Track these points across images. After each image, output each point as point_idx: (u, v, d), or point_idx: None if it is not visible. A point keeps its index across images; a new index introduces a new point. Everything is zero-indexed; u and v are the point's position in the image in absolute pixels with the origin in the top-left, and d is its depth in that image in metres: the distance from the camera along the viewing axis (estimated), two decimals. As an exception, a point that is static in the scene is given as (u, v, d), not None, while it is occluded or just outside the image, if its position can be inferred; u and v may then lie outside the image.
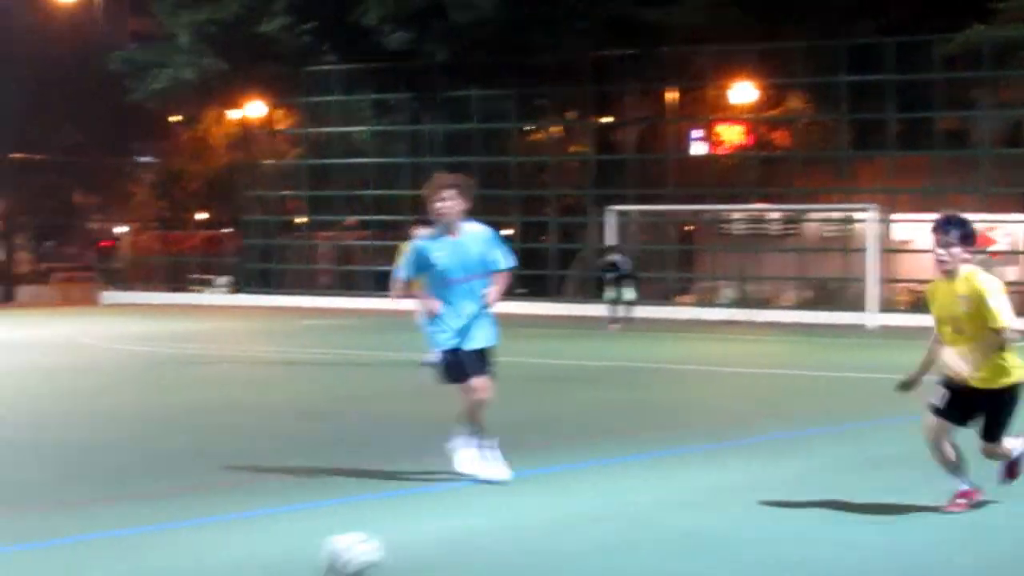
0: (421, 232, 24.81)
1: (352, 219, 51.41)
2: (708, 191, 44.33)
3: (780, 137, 46.51)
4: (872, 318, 37.22)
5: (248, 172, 52.87)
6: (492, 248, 11.92)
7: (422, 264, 11.96)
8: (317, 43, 47.65)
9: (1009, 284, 15.74)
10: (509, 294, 12.35)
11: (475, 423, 11.87)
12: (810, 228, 43.86)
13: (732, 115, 46.49)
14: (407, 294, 12.43)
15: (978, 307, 10.15)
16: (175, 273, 54.31)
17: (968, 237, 10.27)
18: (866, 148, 42.91)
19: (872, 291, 38.05)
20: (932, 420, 10.56)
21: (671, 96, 47.03)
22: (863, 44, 40.93)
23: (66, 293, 53.90)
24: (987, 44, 38.83)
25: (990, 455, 10.74)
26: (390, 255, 27.12)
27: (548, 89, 46.57)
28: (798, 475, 12.66)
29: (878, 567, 9.03)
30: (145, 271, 55.64)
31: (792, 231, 44.11)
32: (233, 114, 53.95)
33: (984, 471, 10.73)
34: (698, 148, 48.48)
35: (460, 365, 11.83)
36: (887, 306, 38.54)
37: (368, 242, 49.07)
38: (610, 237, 39.89)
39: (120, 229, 67.18)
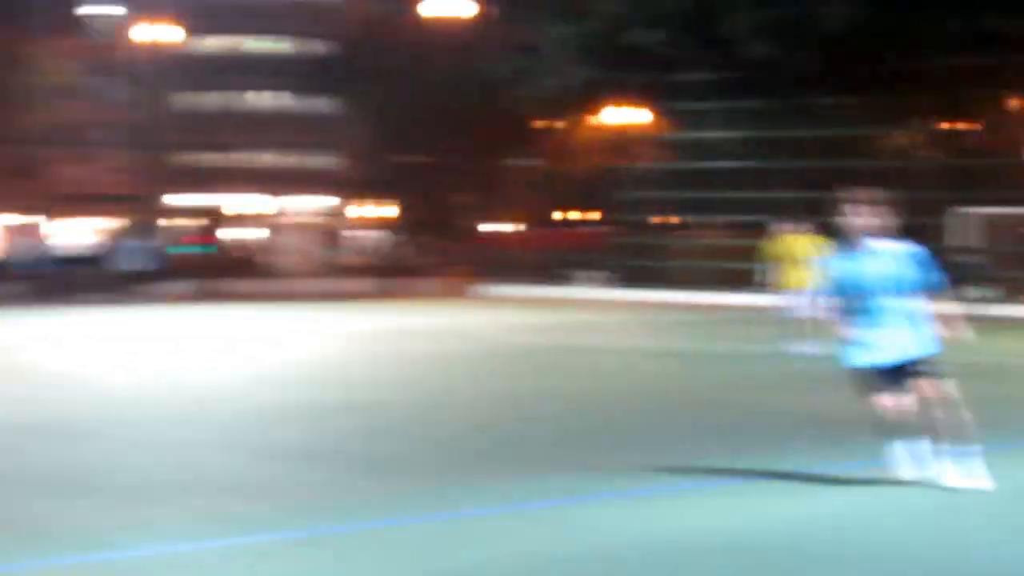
0: (788, 230, 26.06)
1: (717, 219, 52.42)
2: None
3: None
4: None
5: (618, 174, 54.57)
6: (911, 266, 11.40)
7: (841, 281, 11.58)
8: (682, 52, 48.82)
9: None
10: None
11: (941, 432, 11.31)
12: None
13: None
14: (830, 311, 11.72)
15: None
16: (548, 268, 55.76)
17: None
18: None
19: None
20: None
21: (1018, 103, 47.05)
22: None
23: (446, 286, 55.84)
24: None
25: None
26: (753, 254, 28.37)
27: (909, 96, 46.87)
28: None
29: None
30: (520, 266, 57.12)
31: None
32: (602, 119, 55.48)
33: None
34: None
35: (876, 380, 11.51)
36: None
37: (733, 241, 49.81)
38: (963, 238, 40.04)
39: (496, 227, 69.37)
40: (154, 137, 72.23)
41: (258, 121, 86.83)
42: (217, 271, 57.61)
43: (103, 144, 77.97)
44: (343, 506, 10.85)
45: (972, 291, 34.58)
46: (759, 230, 31.54)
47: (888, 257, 11.43)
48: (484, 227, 69.47)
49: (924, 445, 11.43)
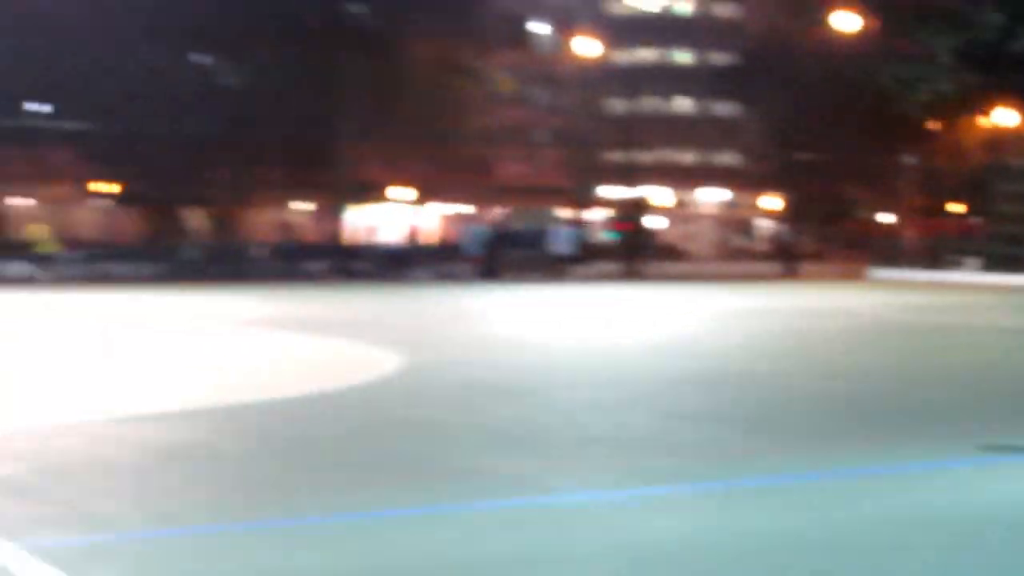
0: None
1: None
2: None
3: None
4: None
5: (995, 170, 52.88)
6: None
7: None
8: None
9: None
10: None
11: None
12: None
13: None
14: None
15: None
16: (932, 255, 54.61)
17: None
18: None
19: None
20: None
21: None
22: None
23: (840, 270, 55.19)
24: None
25: None
26: None
27: None
28: None
29: None
30: (907, 253, 56.07)
31: None
32: (983, 121, 53.84)
33: None
34: None
35: None
36: None
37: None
38: None
39: (886, 217, 68.15)
40: (586, 137, 73.48)
41: (673, 123, 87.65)
42: (638, 255, 58.21)
43: (542, 144, 79.89)
44: (746, 463, 10.75)
45: None
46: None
47: None
48: (874, 217, 68.33)
49: None
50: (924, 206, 61.17)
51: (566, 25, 71.74)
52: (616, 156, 72.73)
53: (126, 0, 50.07)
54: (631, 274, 53.26)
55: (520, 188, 76.79)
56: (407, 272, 48.84)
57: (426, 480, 9.87)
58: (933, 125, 58.51)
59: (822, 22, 57.20)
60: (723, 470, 10.45)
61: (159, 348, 20.26)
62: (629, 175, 69.12)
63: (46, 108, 57.98)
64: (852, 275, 51.97)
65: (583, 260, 52.07)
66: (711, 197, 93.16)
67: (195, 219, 63.49)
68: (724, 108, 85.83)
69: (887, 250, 56.44)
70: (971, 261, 52.14)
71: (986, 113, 52.58)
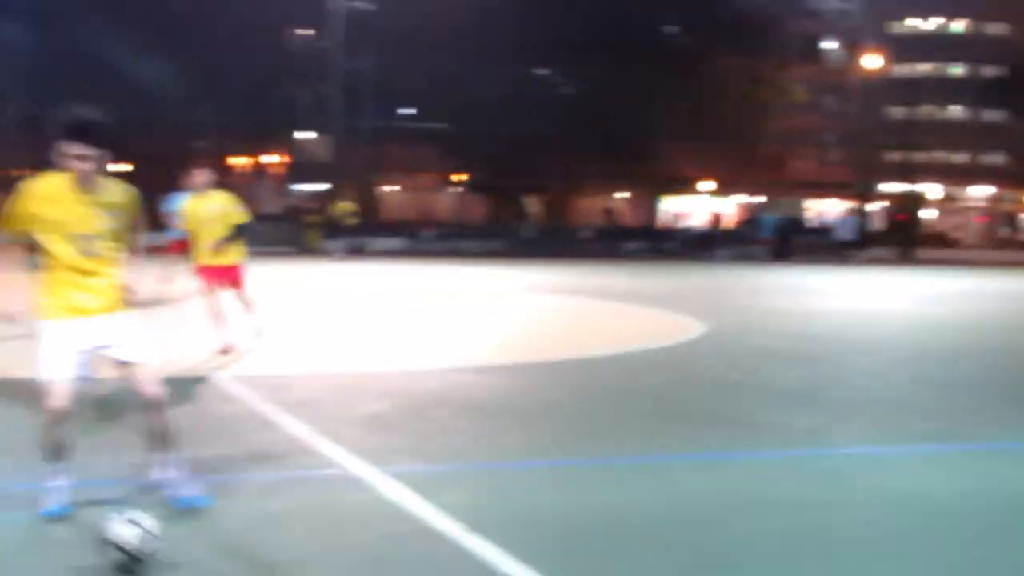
0: None
1: None
2: None
3: None
4: None
5: None
6: None
7: None
8: None
9: None
10: None
11: None
12: None
13: None
14: None
15: None
16: None
17: None
18: None
19: None
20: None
21: None
22: None
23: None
24: None
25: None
26: None
27: None
28: None
29: None
30: None
31: None
32: None
33: None
34: None
35: None
36: None
37: None
38: None
39: None
40: (868, 139, 72.09)
41: (947, 128, 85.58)
42: (913, 243, 56.58)
43: (829, 144, 78.96)
44: (1017, 429, 10.27)
45: None
46: None
47: None
48: None
49: None
50: None
51: (853, 42, 70.64)
52: (894, 156, 70.65)
53: (481, 24, 51.25)
54: (905, 259, 51.64)
55: (809, 183, 76.27)
56: (711, 252, 48.64)
57: (722, 430, 9.76)
58: None
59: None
60: (991, 433, 10.00)
61: (497, 312, 20.64)
62: (906, 173, 66.95)
63: (414, 111, 59.97)
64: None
65: (863, 246, 50.71)
66: (981, 193, 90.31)
67: (532, 205, 64.65)
68: (992, 115, 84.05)
69: None
70: None
71: None
